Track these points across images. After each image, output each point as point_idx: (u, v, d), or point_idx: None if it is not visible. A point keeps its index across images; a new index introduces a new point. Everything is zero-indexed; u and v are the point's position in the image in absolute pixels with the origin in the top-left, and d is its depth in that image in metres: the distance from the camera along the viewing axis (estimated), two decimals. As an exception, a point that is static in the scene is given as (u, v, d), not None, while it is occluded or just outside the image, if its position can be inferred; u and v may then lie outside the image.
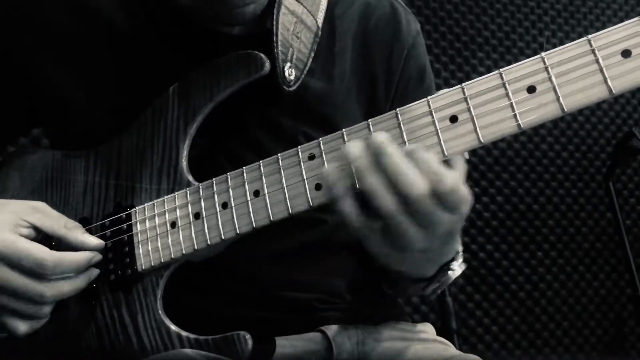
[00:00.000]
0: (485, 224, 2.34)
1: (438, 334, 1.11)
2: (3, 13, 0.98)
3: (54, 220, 0.89)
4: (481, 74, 2.56)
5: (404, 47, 1.05)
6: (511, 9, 2.46)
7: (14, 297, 0.84)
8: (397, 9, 1.08)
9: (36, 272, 0.83)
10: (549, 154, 2.44)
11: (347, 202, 0.70)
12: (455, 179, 0.68)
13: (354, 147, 0.70)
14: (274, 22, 0.91)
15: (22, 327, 0.87)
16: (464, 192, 0.69)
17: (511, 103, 0.71)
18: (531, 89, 0.70)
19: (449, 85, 2.20)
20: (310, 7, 0.97)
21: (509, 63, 2.45)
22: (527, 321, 2.34)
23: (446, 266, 0.86)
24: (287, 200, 0.79)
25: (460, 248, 0.87)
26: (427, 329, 1.09)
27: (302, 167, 0.79)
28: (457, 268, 0.87)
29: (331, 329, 0.97)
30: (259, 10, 0.90)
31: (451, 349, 1.04)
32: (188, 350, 0.86)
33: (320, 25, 0.97)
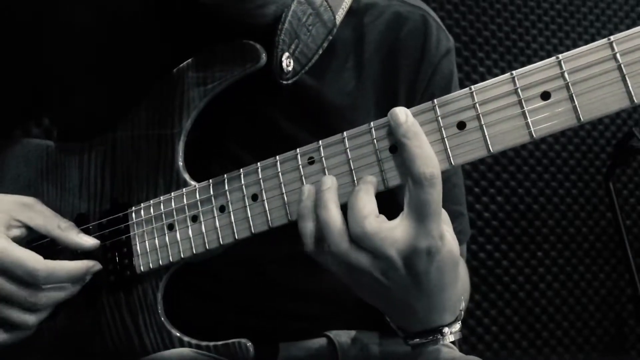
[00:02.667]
0: (485, 224, 2.33)
1: (438, 334, 1.10)
2: None
3: (48, 219, 0.87)
4: (481, 75, 2.56)
5: (430, 65, 0.99)
6: (511, 9, 2.45)
7: (3, 304, 0.82)
8: (429, 25, 1.00)
9: (27, 281, 0.81)
10: (549, 154, 2.44)
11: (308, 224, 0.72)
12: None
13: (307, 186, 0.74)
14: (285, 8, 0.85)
15: (4, 337, 0.85)
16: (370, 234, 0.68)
17: (524, 111, 0.66)
18: (546, 96, 0.66)
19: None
20: (332, 1, 0.91)
21: (509, 63, 2.45)
22: (527, 321, 2.34)
23: (438, 329, 0.78)
24: (287, 206, 0.77)
25: (461, 316, 0.80)
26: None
27: (302, 172, 0.76)
28: (449, 335, 0.78)
29: (336, 334, 0.96)
30: (280, 11, 0.85)
31: (453, 351, 1.03)
32: (188, 350, 0.85)
33: (337, 22, 0.91)
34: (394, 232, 0.68)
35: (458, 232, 1.00)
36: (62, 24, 0.95)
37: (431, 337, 0.78)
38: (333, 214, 0.70)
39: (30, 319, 0.84)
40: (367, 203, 0.69)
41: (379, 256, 0.69)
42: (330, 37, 0.91)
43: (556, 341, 2.37)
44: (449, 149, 0.69)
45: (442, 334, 0.77)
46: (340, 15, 0.92)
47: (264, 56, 0.84)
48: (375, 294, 0.75)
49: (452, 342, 1.07)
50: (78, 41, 0.95)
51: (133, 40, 0.94)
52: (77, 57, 0.95)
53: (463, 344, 2.23)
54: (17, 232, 0.85)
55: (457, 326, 0.79)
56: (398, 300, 0.74)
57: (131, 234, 0.89)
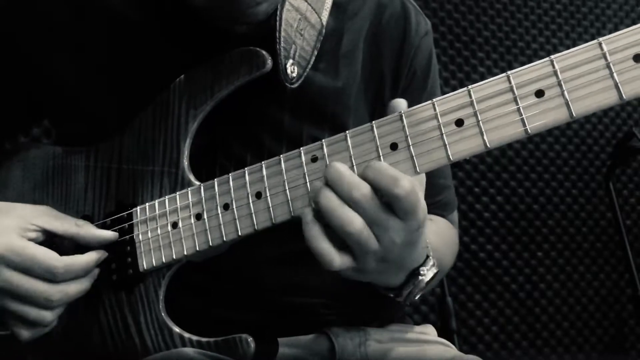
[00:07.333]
0: (485, 224, 2.34)
1: (438, 334, 1.11)
2: (5, 3, 0.97)
3: (64, 220, 0.90)
4: (481, 75, 2.55)
5: (411, 47, 1.05)
6: (511, 9, 2.46)
7: (21, 301, 0.85)
8: (408, 9, 1.07)
9: (47, 278, 0.84)
10: (549, 154, 2.44)
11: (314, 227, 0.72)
12: (411, 183, 0.69)
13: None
14: (278, 18, 0.90)
15: (25, 333, 0.88)
16: (417, 198, 0.70)
17: (519, 108, 0.69)
18: (539, 93, 0.69)
19: (449, 85, 2.21)
20: (315, 4, 0.96)
21: (509, 63, 2.45)
22: (527, 321, 2.35)
23: (416, 271, 0.83)
24: (290, 202, 0.79)
25: (430, 252, 0.84)
26: (429, 331, 1.10)
27: (305, 169, 0.78)
28: (428, 272, 0.83)
29: (334, 331, 0.97)
30: (272, 8, 0.89)
31: (452, 350, 1.04)
32: (189, 350, 0.86)
33: (324, 23, 0.96)
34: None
35: (445, 204, 1.13)
36: (63, 30, 0.96)
37: (414, 281, 0.82)
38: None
39: (48, 315, 0.87)
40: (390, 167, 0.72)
41: (410, 219, 0.72)
42: (321, 38, 0.95)
43: (556, 341, 2.37)
44: (447, 145, 0.72)
45: (421, 274, 0.82)
46: (324, 16, 0.97)
47: (269, 62, 0.88)
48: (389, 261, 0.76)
49: (451, 342, 1.08)
50: (80, 48, 0.96)
51: (136, 45, 0.96)
52: (80, 63, 0.97)
53: (463, 344, 2.24)
54: (33, 235, 0.87)
55: (431, 262, 0.83)
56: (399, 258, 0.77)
57: (135, 232, 0.90)
